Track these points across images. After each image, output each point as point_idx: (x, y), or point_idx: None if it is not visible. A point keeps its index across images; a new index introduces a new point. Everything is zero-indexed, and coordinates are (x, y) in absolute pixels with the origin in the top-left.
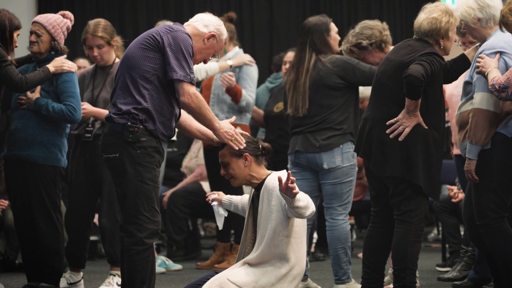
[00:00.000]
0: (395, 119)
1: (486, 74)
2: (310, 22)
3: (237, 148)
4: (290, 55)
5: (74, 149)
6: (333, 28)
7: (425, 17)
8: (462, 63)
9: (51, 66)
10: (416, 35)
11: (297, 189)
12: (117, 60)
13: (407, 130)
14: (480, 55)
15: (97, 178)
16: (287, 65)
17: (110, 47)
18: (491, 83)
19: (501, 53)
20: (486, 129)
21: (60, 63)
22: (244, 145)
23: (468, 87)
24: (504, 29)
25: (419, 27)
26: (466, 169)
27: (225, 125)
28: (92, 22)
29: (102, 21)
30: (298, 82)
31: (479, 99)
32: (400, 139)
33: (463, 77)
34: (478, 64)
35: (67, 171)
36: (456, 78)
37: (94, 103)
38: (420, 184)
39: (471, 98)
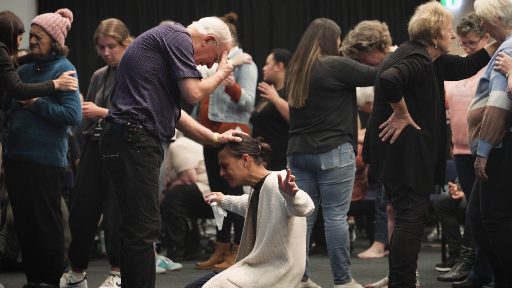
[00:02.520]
0: (385, 122)
1: (506, 75)
2: (324, 20)
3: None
4: (270, 57)
5: (84, 149)
6: (339, 38)
7: (415, 19)
8: (482, 58)
9: (57, 83)
10: (410, 38)
11: (296, 187)
12: None
13: (397, 132)
14: (500, 53)
15: (104, 179)
16: (269, 65)
17: (121, 47)
18: (508, 90)
19: None
20: (499, 127)
21: (66, 81)
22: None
23: (483, 84)
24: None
25: (411, 30)
26: (476, 167)
27: (222, 64)
28: (105, 22)
29: (115, 21)
30: (301, 72)
31: (495, 97)
32: (390, 142)
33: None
34: (497, 62)
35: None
36: (474, 73)
37: (104, 103)
38: (410, 186)
39: (486, 95)
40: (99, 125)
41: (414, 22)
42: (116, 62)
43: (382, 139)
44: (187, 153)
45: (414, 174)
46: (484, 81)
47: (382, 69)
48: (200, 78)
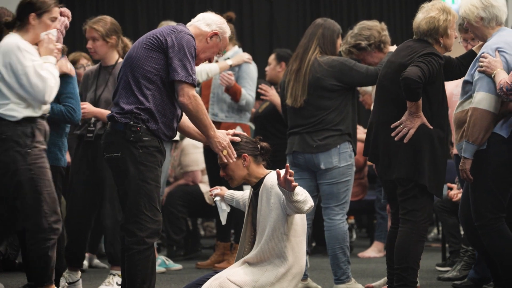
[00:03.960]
0: (399, 121)
1: (492, 76)
2: (324, 20)
3: (225, 161)
4: (272, 57)
5: (76, 149)
6: (340, 38)
7: (422, 17)
8: (471, 59)
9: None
10: (415, 36)
11: (295, 183)
12: (120, 60)
13: (412, 131)
14: (483, 54)
15: (99, 178)
16: (271, 66)
17: (105, 42)
18: (499, 87)
19: (499, 51)
20: (483, 129)
21: (61, 64)
22: (234, 159)
23: (467, 86)
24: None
25: (418, 27)
26: (461, 168)
27: (221, 135)
28: (98, 16)
29: (107, 18)
30: (300, 72)
31: (479, 99)
32: (405, 141)
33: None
34: (481, 64)
35: (68, 170)
36: (464, 74)
37: (96, 103)
38: (425, 184)
39: (470, 97)
40: (92, 125)
41: (422, 19)
42: (99, 57)
43: (395, 138)
44: (198, 153)
45: (428, 174)
46: (467, 83)
47: (386, 68)
48: (193, 85)
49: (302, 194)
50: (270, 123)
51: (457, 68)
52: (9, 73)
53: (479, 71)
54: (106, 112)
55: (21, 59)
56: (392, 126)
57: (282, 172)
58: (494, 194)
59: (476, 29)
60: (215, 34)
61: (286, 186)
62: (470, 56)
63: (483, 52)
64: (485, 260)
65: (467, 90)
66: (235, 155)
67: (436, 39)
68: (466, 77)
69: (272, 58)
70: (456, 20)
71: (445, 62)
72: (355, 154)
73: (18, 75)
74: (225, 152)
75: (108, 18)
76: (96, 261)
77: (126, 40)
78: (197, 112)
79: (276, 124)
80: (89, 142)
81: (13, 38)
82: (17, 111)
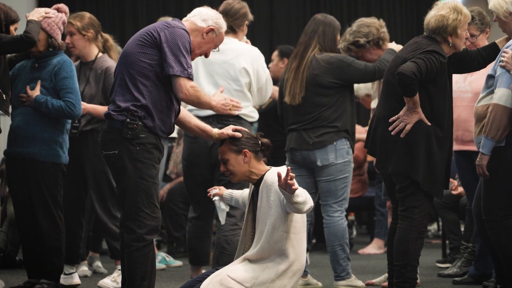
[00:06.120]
0: (396, 116)
1: (511, 72)
2: (324, 16)
3: (236, 113)
4: (275, 53)
5: None
6: (339, 34)
7: (433, 14)
8: (493, 51)
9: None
10: (425, 32)
11: (296, 185)
12: (100, 55)
13: (408, 126)
14: (505, 49)
15: (84, 174)
16: (274, 62)
17: (81, 36)
18: None
19: None
20: (502, 125)
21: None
22: (242, 106)
23: (490, 80)
24: None
25: (427, 24)
26: (478, 163)
27: (218, 98)
28: (77, 12)
29: (84, 13)
30: (299, 70)
31: (500, 95)
32: (401, 135)
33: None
34: (502, 58)
35: None
36: (484, 66)
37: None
38: (418, 180)
39: (492, 92)
40: (76, 121)
41: (432, 17)
42: (79, 52)
43: (392, 133)
44: None
45: (422, 170)
46: (490, 77)
47: (393, 61)
48: (190, 78)
49: (302, 195)
50: (273, 120)
51: (476, 60)
52: (255, 78)
53: (500, 66)
54: (99, 107)
55: (264, 66)
56: (390, 120)
57: (282, 171)
58: (507, 192)
59: (504, 24)
60: (211, 29)
61: (286, 188)
62: (490, 48)
63: (508, 46)
64: (492, 255)
65: (490, 84)
66: (241, 104)
67: (444, 38)
68: (490, 71)
69: (275, 54)
70: (468, 20)
71: (463, 54)
72: (353, 151)
73: (262, 81)
74: (232, 108)
75: (87, 14)
76: (97, 264)
77: (107, 35)
78: (199, 98)
79: (279, 120)
80: (73, 139)
81: (247, 45)
82: (256, 113)
